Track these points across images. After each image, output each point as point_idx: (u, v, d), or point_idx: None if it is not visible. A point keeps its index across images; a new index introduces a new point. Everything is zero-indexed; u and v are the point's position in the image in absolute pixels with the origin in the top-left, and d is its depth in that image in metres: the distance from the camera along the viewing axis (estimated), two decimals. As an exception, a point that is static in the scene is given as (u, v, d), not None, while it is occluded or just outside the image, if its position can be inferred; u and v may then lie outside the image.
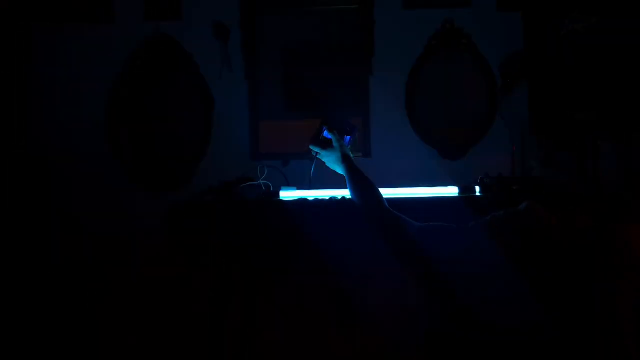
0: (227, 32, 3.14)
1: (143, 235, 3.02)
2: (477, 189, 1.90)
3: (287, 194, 1.96)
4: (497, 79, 3.09)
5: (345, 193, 1.83)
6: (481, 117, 3.12)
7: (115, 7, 3.18)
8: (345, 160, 1.84)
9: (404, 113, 3.13)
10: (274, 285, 1.97)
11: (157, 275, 2.95)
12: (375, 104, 3.14)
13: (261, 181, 2.03)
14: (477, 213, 1.67)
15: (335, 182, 1.93)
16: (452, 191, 1.93)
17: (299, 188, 2.01)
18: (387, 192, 1.79)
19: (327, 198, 1.89)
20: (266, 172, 2.03)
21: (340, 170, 1.86)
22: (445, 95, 3.14)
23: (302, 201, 1.89)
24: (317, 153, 1.93)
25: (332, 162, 1.89)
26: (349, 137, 1.96)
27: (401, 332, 1.90)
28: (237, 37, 3.16)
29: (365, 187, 1.76)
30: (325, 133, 1.93)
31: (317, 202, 1.87)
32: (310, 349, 2.52)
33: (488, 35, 3.11)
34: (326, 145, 1.91)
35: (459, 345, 1.43)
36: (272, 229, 1.89)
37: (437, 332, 1.49)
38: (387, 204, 1.69)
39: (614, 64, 2.25)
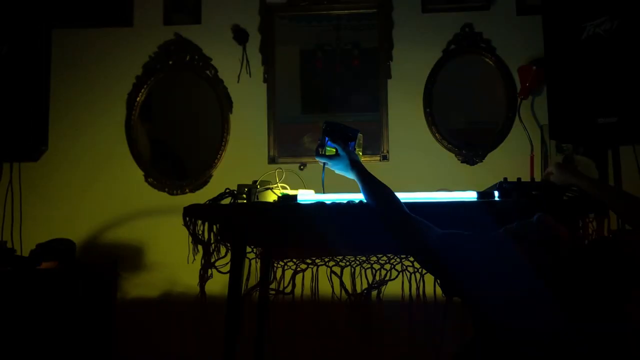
0: (246, 36, 3.16)
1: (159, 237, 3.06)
2: (496, 194, 1.88)
3: (305, 197, 1.96)
4: (516, 83, 3.07)
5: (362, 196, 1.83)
6: (500, 121, 3.10)
7: (135, 12, 3.22)
8: (355, 166, 1.83)
9: (422, 117, 3.12)
10: (290, 289, 1.97)
11: (173, 277, 2.98)
12: (394, 108, 3.13)
13: (279, 184, 2.03)
14: (496, 218, 1.65)
15: (351, 185, 1.93)
16: (470, 196, 1.91)
17: (316, 191, 2.01)
18: (404, 196, 1.78)
19: (345, 201, 1.89)
20: (284, 176, 2.03)
21: (350, 176, 1.85)
22: (464, 99, 3.13)
23: (320, 204, 1.88)
24: (324, 163, 1.93)
25: (341, 170, 1.88)
26: (353, 142, 1.94)
27: (420, 335, 1.88)
28: (255, 41, 3.18)
29: (381, 192, 1.75)
30: (329, 143, 1.92)
31: (335, 206, 1.87)
32: (326, 352, 2.52)
33: (507, 39, 3.10)
34: (332, 154, 1.90)
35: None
36: (289, 233, 1.89)
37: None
38: (406, 208, 1.67)
39: (635, 68, 2.22)
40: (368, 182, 1.78)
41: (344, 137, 1.92)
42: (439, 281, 1.57)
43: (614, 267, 1.35)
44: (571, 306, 1.31)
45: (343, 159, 1.85)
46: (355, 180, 1.83)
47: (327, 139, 1.93)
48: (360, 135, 1.97)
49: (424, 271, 1.81)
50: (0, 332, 2.52)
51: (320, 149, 1.95)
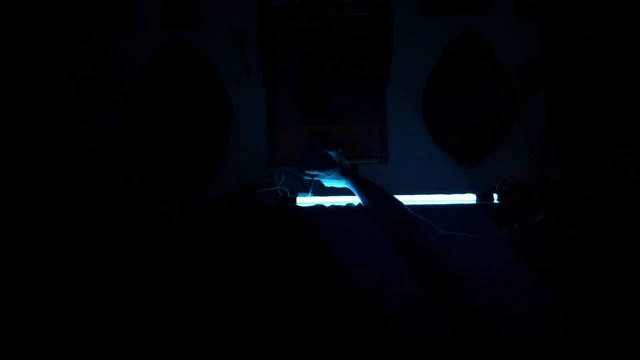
0: (245, 39, 3.16)
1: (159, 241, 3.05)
2: (495, 196, 1.88)
3: (304, 200, 1.96)
4: (515, 85, 3.07)
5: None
6: (499, 124, 3.10)
7: (135, 15, 3.21)
8: (348, 172, 1.81)
9: (421, 119, 3.12)
10: (289, 292, 1.97)
11: (173, 280, 2.97)
12: (392, 111, 3.14)
13: (278, 187, 2.04)
14: (495, 221, 1.66)
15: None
16: (469, 198, 1.92)
17: (315, 194, 2.01)
18: (404, 199, 1.79)
19: (344, 204, 1.89)
20: (283, 179, 2.03)
21: (343, 184, 1.84)
22: (463, 102, 3.13)
23: (319, 207, 1.89)
24: (313, 176, 1.88)
25: (333, 179, 1.85)
26: (341, 149, 1.91)
27: (416, 340, 1.88)
28: (255, 45, 3.18)
29: (381, 194, 1.75)
30: (321, 152, 1.85)
31: (334, 209, 1.87)
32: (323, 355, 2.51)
33: (506, 41, 3.10)
34: (323, 165, 1.85)
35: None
36: (288, 235, 1.89)
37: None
38: (408, 208, 1.68)
39: (633, 70, 2.23)
40: (366, 185, 1.78)
41: (337, 144, 1.90)
42: (436, 288, 1.57)
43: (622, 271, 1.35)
44: (575, 310, 1.31)
45: (336, 167, 1.82)
46: (349, 187, 1.82)
47: (320, 148, 1.87)
48: (345, 143, 1.93)
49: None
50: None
51: (309, 161, 1.87)
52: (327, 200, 1.93)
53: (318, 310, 1.92)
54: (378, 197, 1.76)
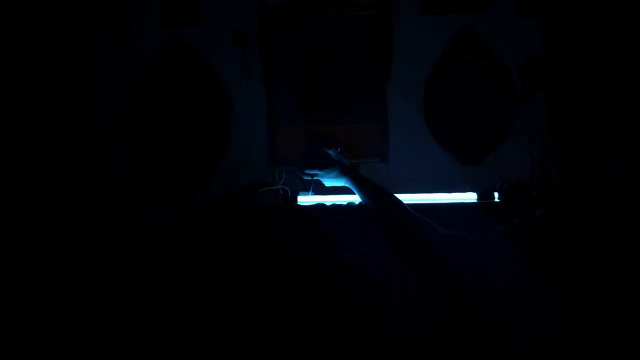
0: (246, 39, 3.16)
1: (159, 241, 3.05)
2: (496, 195, 1.88)
3: (305, 199, 1.96)
4: (515, 84, 3.07)
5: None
6: (499, 123, 3.10)
7: (135, 16, 3.21)
8: (348, 171, 1.81)
9: (422, 118, 3.12)
10: (290, 291, 1.97)
11: (172, 281, 2.98)
12: (393, 109, 3.14)
13: (279, 186, 2.03)
14: (496, 220, 1.66)
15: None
16: (470, 197, 1.91)
17: (316, 193, 2.01)
18: (404, 198, 1.78)
19: (345, 203, 1.89)
20: (284, 178, 2.03)
21: (343, 183, 1.83)
22: (464, 101, 3.13)
23: (320, 206, 1.88)
24: (313, 175, 1.87)
25: (333, 178, 1.84)
26: (340, 148, 1.91)
27: (417, 339, 1.88)
28: (255, 44, 3.18)
29: (381, 193, 1.75)
30: (322, 151, 1.85)
31: (335, 207, 1.87)
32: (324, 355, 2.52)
33: (506, 40, 3.09)
34: (323, 164, 1.84)
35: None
36: (289, 234, 1.89)
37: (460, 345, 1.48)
38: (408, 207, 1.68)
39: (633, 70, 2.23)
40: (366, 184, 1.78)
41: (336, 143, 1.89)
42: (435, 287, 1.57)
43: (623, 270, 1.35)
44: (575, 310, 1.31)
45: (336, 166, 1.82)
46: (349, 185, 1.82)
47: (320, 147, 1.87)
48: (343, 142, 1.93)
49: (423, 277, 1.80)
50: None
51: (309, 160, 1.86)
52: (328, 199, 1.93)
53: (319, 309, 1.92)
54: (378, 195, 1.75)
